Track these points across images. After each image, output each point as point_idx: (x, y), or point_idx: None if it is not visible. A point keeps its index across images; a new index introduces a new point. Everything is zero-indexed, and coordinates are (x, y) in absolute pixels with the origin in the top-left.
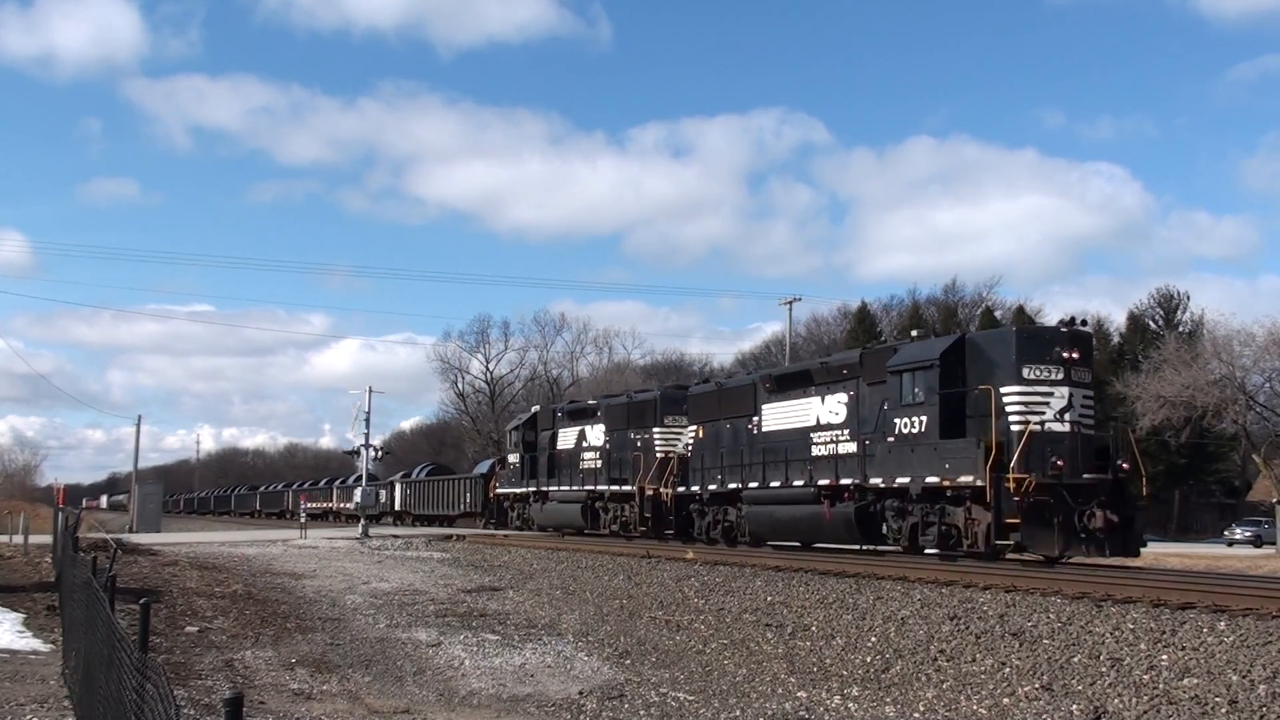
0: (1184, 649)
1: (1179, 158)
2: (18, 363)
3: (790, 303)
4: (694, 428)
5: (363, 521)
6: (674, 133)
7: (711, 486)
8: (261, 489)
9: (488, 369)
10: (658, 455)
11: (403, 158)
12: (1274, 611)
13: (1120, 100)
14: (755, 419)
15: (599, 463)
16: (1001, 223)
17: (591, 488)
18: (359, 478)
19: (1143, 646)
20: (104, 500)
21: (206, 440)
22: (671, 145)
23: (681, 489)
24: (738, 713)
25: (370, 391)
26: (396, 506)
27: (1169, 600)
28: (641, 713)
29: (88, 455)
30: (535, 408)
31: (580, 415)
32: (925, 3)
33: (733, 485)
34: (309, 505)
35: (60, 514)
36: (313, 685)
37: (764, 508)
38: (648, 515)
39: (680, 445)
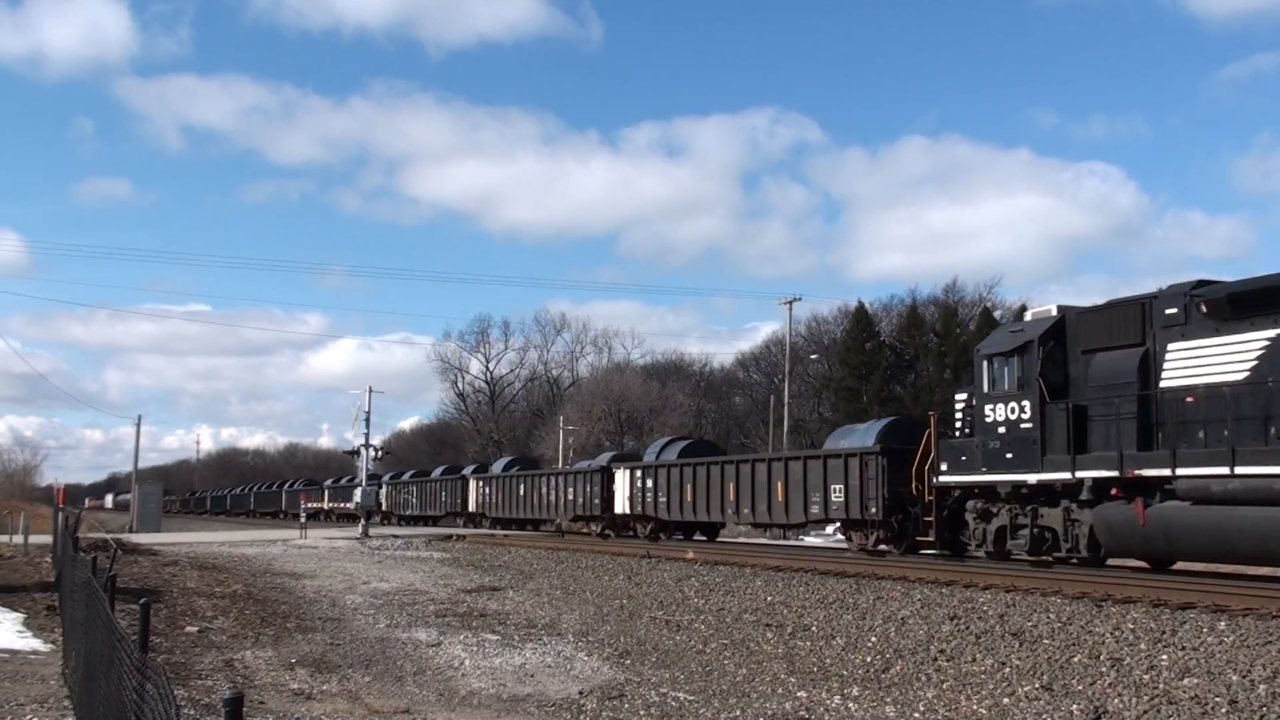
0: (1184, 649)
1: (1172, 157)
2: (14, 363)
3: (790, 302)
4: None
5: (363, 521)
6: (667, 132)
7: None
8: (266, 488)
9: (488, 369)
10: None
11: (396, 157)
12: (1274, 611)
13: (1113, 100)
14: None
15: None
16: (996, 222)
17: None
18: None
19: (1143, 646)
20: (109, 500)
21: (205, 440)
22: (665, 145)
23: None
24: (738, 713)
25: (370, 391)
26: (619, 507)
27: (1169, 600)
28: (641, 713)
29: (86, 455)
30: (1048, 309)
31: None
32: (917, 3)
33: None
34: (315, 505)
35: (60, 514)
36: (313, 685)
37: None
38: None
39: None
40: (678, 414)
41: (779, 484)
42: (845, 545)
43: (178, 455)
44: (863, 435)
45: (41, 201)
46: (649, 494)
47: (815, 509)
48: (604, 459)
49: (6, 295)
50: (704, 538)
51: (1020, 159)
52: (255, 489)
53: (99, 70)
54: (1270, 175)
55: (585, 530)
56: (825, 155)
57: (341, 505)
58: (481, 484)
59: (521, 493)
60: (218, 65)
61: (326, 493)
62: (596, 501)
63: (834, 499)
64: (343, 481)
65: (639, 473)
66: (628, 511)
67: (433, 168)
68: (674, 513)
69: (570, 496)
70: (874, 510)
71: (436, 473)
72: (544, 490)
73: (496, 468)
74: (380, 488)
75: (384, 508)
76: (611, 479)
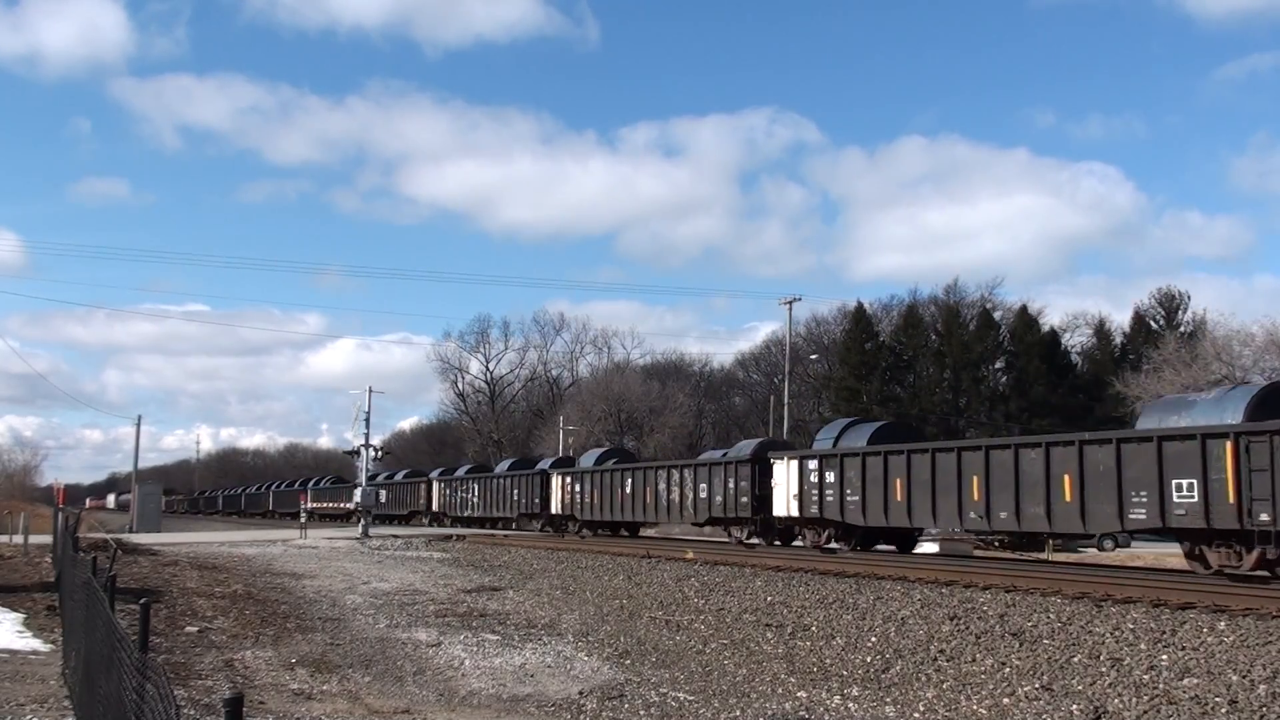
0: (1184, 649)
1: (1170, 157)
2: (13, 363)
3: (790, 303)
4: None
5: (363, 521)
6: (665, 132)
7: None
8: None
9: (487, 369)
10: None
11: (393, 157)
12: (1274, 611)
13: (1110, 100)
14: None
15: None
16: (993, 222)
17: None
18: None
19: (1143, 646)
20: (110, 500)
21: (204, 440)
22: (663, 145)
23: None
24: (738, 713)
25: (370, 391)
26: (779, 508)
27: (1169, 600)
28: (641, 713)
29: (86, 455)
30: None
31: None
32: (915, 3)
33: None
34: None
35: (60, 514)
36: (313, 685)
37: None
38: None
39: None
40: (678, 414)
41: (1066, 478)
42: (1190, 567)
43: (177, 455)
44: (1214, 407)
45: (39, 201)
46: (829, 491)
47: (1139, 514)
48: (747, 448)
49: (5, 295)
50: (891, 548)
51: (1018, 159)
52: (274, 487)
53: (95, 70)
54: (1268, 175)
55: (725, 537)
56: (823, 155)
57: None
58: (569, 480)
59: (628, 490)
60: (214, 65)
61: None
62: (745, 500)
63: (1177, 499)
64: (381, 478)
65: (813, 464)
66: (794, 514)
67: (430, 168)
68: (872, 515)
69: (703, 494)
70: (1266, 517)
71: (502, 467)
72: (661, 487)
73: (587, 460)
74: (430, 485)
75: (434, 508)
76: (767, 472)
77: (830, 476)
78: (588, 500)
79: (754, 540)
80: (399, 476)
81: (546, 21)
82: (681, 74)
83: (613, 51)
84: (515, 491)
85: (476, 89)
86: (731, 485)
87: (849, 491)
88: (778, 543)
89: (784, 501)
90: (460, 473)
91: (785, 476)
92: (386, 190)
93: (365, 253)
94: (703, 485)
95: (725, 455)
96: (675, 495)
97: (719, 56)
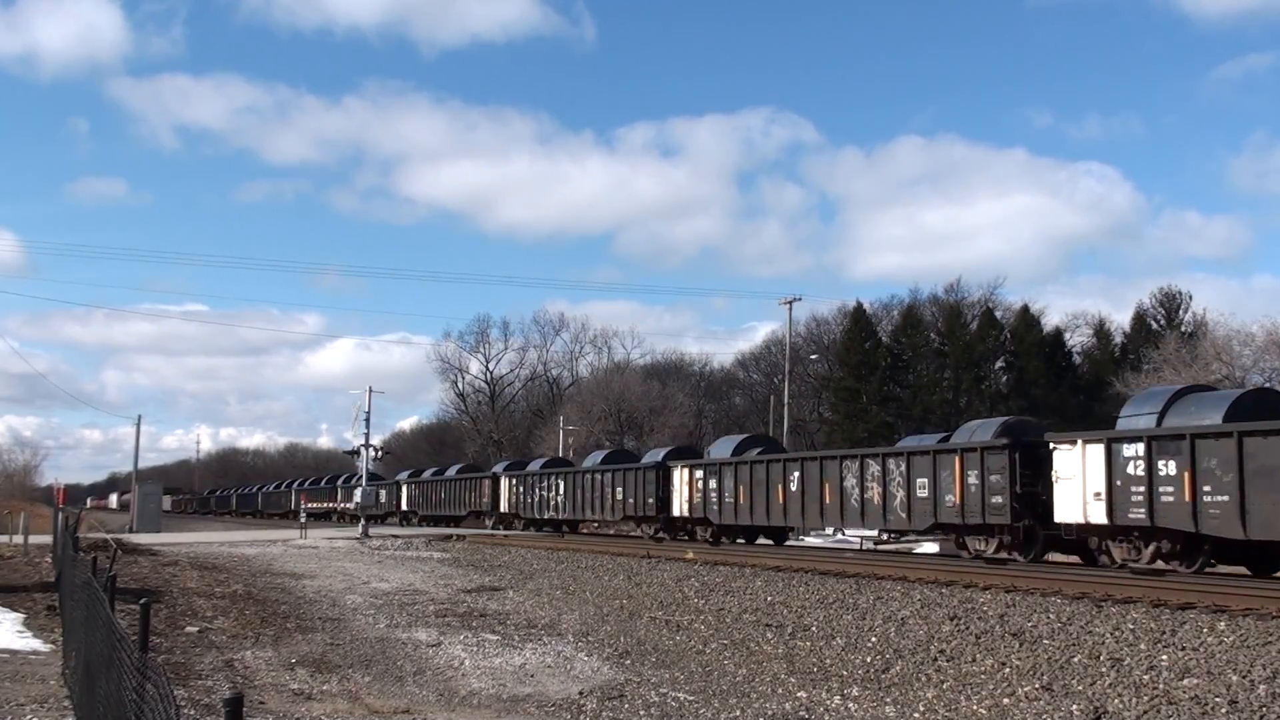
0: (1184, 649)
1: (1168, 157)
2: (12, 362)
3: (790, 302)
4: None
5: (363, 521)
6: (662, 132)
7: None
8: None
9: (487, 369)
10: None
11: (391, 157)
12: (1274, 611)
13: (1107, 99)
14: None
15: None
16: (991, 222)
17: None
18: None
19: (1143, 646)
20: (113, 499)
21: (204, 440)
22: (660, 145)
23: None
24: (738, 713)
25: (370, 391)
26: (1066, 511)
27: (1169, 600)
28: (641, 713)
29: (85, 455)
30: None
31: None
32: (912, 3)
33: None
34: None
35: (60, 514)
36: (313, 685)
37: None
38: None
39: None
40: (678, 414)
41: None
42: None
43: (177, 455)
44: None
45: (37, 201)
46: (1167, 490)
47: None
48: (986, 430)
49: (4, 295)
50: (1240, 569)
51: (1015, 159)
52: (297, 484)
53: (93, 70)
54: (1265, 175)
55: (980, 551)
56: (820, 155)
57: (458, 508)
58: (699, 474)
59: (792, 487)
60: (211, 65)
61: (407, 490)
62: (999, 501)
63: None
64: (429, 474)
65: (1133, 450)
66: (1095, 519)
67: (428, 168)
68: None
69: (921, 492)
70: None
71: (592, 460)
72: (849, 483)
73: (722, 450)
74: (496, 482)
75: (502, 508)
76: (1036, 461)
77: (1169, 468)
78: (728, 499)
79: (1004, 555)
80: (451, 472)
81: (543, 21)
82: (679, 74)
83: (610, 51)
84: (619, 489)
85: (474, 89)
86: (974, 480)
87: (1206, 489)
88: (1021, 557)
89: (1076, 501)
90: (535, 467)
91: (1079, 467)
92: (384, 190)
93: (363, 253)
94: (920, 480)
95: (948, 440)
96: (872, 494)
97: (716, 56)
